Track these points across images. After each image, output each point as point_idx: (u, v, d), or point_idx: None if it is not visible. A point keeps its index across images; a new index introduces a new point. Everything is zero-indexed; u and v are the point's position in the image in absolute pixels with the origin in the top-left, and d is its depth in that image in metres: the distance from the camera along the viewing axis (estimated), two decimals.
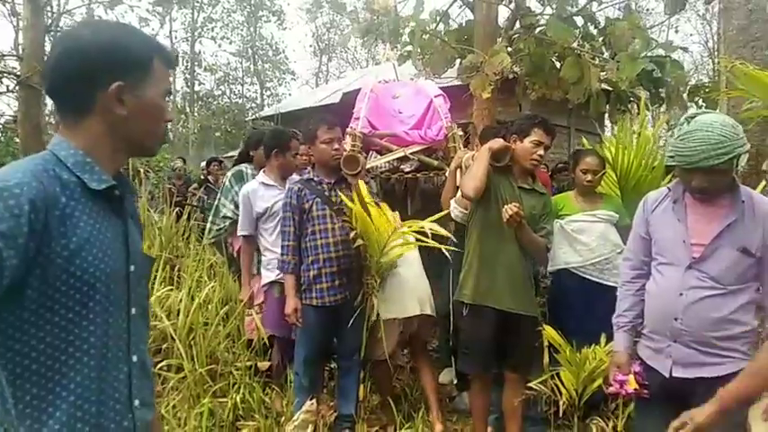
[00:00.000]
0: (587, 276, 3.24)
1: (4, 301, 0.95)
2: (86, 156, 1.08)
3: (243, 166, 4.00)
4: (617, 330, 2.25)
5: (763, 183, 2.95)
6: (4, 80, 10.86)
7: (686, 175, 1.94)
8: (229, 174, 4.02)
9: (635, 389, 2.09)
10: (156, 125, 1.17)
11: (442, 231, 2.99)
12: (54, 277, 0.98)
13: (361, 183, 3.01)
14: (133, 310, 1.15)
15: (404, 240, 3.00)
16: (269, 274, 3.42)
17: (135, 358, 1.15)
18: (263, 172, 3.54)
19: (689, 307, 1.94)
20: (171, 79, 1.26)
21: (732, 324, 1.90)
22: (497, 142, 2.91)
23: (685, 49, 5.20)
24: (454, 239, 3.25)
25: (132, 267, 1.15)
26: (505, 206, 2.67)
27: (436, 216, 3.02)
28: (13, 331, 0.97)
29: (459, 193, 3.14)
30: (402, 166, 4.21)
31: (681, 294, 1.96)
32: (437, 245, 2.95)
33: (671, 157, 1.93)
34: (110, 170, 1.12)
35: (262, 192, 3.42)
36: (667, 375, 2.00)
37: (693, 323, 1.93)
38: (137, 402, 1.14)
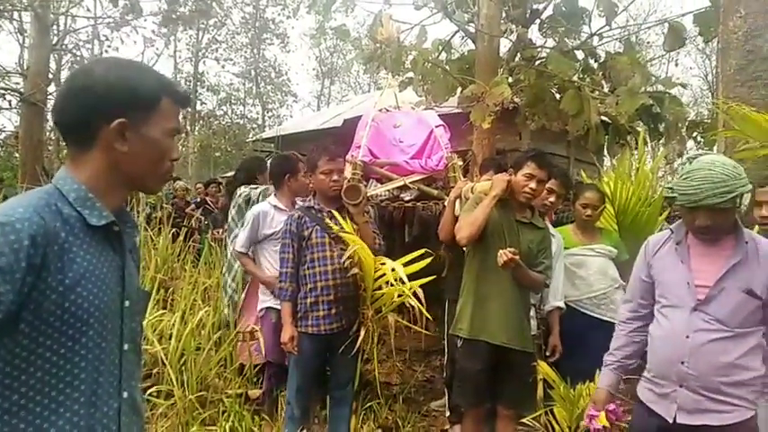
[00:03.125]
0: (584, 311, 3.23)
1: None
2: (89, 191, 1.09)
3: (249, 189, 3.98)
4: (604, 367, 2.27)
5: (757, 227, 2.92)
6: (7, 96, 10.93)
7: (689, 215, 1.93)
8: (240, 201, 3.96)
9: (603, 426, 2.12)
10: (157, 164, 1.17)
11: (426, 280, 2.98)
12: (48, 312, 0.99)
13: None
14: (126, 346, 1.15)
15: (394, 284, 2.96)
16: (266, 299, 3.39)
17: (126, 394, 1.14)
18: (275, 196, 3.56)
19: (696, 350, 1.91)
20: (181, 119, 1.26)
21: (740, 369, 1.88)
22: (501, 185, 2.87)
23: (684, 86, 5.27)
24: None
25: (127, 303, 1.15)
26: (501, 251, 2.65)
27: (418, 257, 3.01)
28: (3, 365, 0.98)
29: None
30: (402, 195, 4.21)
31: (687, 337, 1.94)
32: (421, 308, 2.94)
33: (671, 189, 1.94)
34: (110, 205, 1.13)
35: (273, 214, 3.44)
36: (671, 421, 1.96)
37: (701, 367, 1.90)
38: None
